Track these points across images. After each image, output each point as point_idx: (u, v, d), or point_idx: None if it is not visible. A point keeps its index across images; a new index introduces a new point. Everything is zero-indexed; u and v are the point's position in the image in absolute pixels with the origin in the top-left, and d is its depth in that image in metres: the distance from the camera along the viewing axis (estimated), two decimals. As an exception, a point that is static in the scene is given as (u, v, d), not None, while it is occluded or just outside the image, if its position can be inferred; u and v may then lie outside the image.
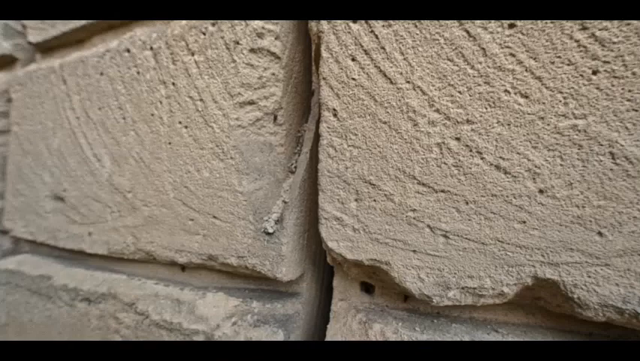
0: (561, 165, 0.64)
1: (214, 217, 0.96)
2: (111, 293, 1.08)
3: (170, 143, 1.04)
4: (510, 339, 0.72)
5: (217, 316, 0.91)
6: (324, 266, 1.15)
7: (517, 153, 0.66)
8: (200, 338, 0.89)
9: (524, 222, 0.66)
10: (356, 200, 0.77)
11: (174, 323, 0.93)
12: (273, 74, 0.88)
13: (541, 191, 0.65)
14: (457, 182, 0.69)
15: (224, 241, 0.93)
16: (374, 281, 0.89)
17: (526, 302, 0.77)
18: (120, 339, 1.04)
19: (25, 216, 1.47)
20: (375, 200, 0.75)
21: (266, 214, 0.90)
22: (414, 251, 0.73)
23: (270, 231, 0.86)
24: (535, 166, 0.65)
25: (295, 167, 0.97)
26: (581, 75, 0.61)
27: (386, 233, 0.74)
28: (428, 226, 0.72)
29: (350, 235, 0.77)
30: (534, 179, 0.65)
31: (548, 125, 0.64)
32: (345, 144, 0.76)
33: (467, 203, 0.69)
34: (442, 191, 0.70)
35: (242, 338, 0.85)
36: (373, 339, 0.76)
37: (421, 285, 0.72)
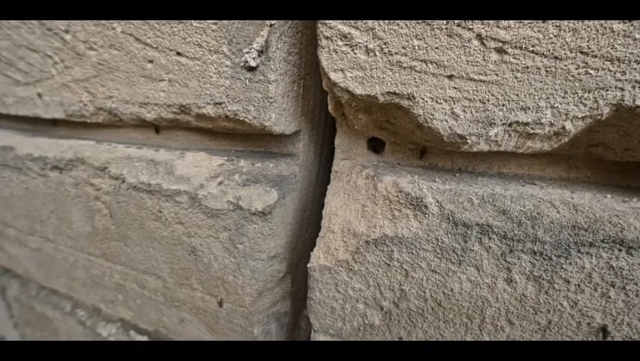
0: None
1: (178, 54, 0.72)
2: (78, 158, 0.94)
3: (97, -57, 0.70)
4: (550, 190, 0.59)
5: (200, 175, 0.78)
6: (324, 130, 0.97)
7: None
8: (184, 198, 0.78)
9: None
10: (373, 3, 0.51)
11: (152, 184, 0.81)
12: None
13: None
14: (541, -48, 0.43)
15: (195, 85, 0.72)
16: (385, 135, 0.72)
17: (575, 152, 0.61)
18: (102, 206, 0.96)
19: (-36, 82, 1.22)
20: (402, 0, 0.50)
21: (246, 45, 0.66)
22: (450, 77, 0.52)
23: (253, 64, 0.64)
24: None
25: (284, -16, 0.67)
26: None
27: (413, 52, 0.52)
28: (478, 35, 0.49)
29: (361, 59, 0.55)
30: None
31: None
32: None
33: (548, -9, 0.44)
34: (512, -27, 0.45)
35: (230, 198, 0.74)
36: (383, 193, 0.63)
37: (454, 123, 0.55)
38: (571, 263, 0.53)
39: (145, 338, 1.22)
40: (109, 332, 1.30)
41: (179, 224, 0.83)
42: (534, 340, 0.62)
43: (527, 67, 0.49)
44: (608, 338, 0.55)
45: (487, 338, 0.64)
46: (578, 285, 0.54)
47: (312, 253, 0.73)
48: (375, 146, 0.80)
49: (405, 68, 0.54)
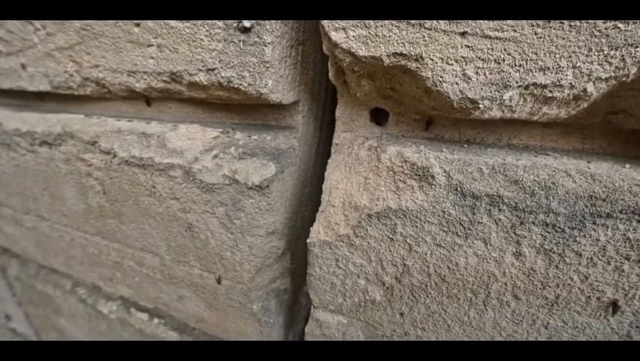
0: None
1: (166, 15, 0.66)
2: (67, 132, 0.90)
3: None
4: (565, 160, 0.56)
5: (194, 148, 0.74)
6: (324, 103, 0.93)
7: None
8: (178, 172, 0.75)
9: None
10: (379, -52, 0.46)
11: (145, 158, 0.78)
12: None
13: None
14: None
15: (185, 50, 0.67)
16: (390, 104, 0.68)
17: (591, 121, 0.57)
18: (95, 182, 0.93)
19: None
20: (412, -56, 0.44)
21: (239, 4, 0.60)
22: (463, 34, 0.48)
23: (247, 25, 0.59)
24: None
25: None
26: None
27: (424, 6, 0.47)
28: (496, -16, 0.44)
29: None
30: None
31: None
32: None
33: None
34: None
35: (226, 172, 0.71)
36: (387, 164, 0.60)
37: (465, 86, 0.51)
38: (585, 236, 0.50)
39: (145, 316, 1.23)
40: (110, 310, 1.31)
41: (174, 200, 0.80)
42: (539, 315, 0.61)
43: (549, 21, 0.44)
44: (618, 313, 0.54)
45: (491, 313, 0.63)
46: (591, 258, 0.52)
47: (311, 228, 0.71)
48: (378, 118, 0.76)
49: (413, 24, 0.49)
